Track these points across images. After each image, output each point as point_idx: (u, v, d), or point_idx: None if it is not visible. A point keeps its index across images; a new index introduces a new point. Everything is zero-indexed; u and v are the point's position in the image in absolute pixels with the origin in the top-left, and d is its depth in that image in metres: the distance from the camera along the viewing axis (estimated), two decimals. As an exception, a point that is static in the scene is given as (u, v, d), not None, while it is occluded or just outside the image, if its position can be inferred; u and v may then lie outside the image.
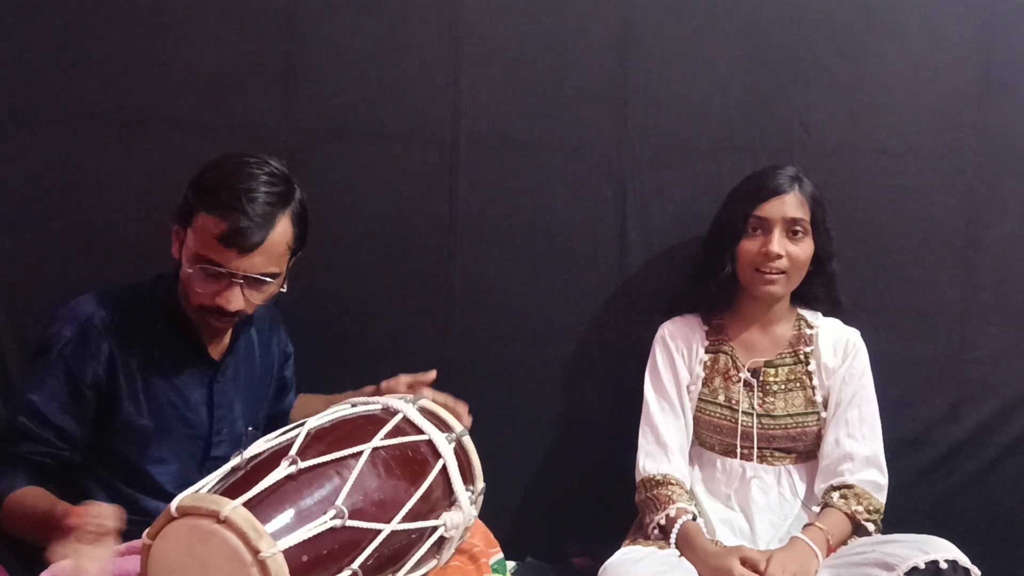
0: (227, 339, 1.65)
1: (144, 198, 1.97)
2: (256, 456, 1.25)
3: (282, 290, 1.56)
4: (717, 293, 1.85)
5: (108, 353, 1.50)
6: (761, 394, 1.82)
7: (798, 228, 1.77)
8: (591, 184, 2.02)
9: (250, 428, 1.67)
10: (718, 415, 1.83)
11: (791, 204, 1.77)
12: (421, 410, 1.43)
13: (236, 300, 1.47)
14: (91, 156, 2.00)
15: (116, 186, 1.99)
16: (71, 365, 1.47)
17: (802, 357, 1.83)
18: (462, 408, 1.64)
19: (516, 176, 2.03)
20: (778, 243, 1.76)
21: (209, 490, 1.20)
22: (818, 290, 1.86)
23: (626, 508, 1.87)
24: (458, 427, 1.45)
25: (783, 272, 1.77)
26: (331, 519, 1.18)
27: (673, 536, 1.72)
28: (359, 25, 2.00)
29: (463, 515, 1.37)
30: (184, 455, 1.58)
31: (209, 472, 1.28)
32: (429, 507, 1.32)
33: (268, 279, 1.50)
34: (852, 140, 2.00)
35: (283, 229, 1.49)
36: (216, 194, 1.46)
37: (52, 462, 1.48)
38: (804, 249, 1.78)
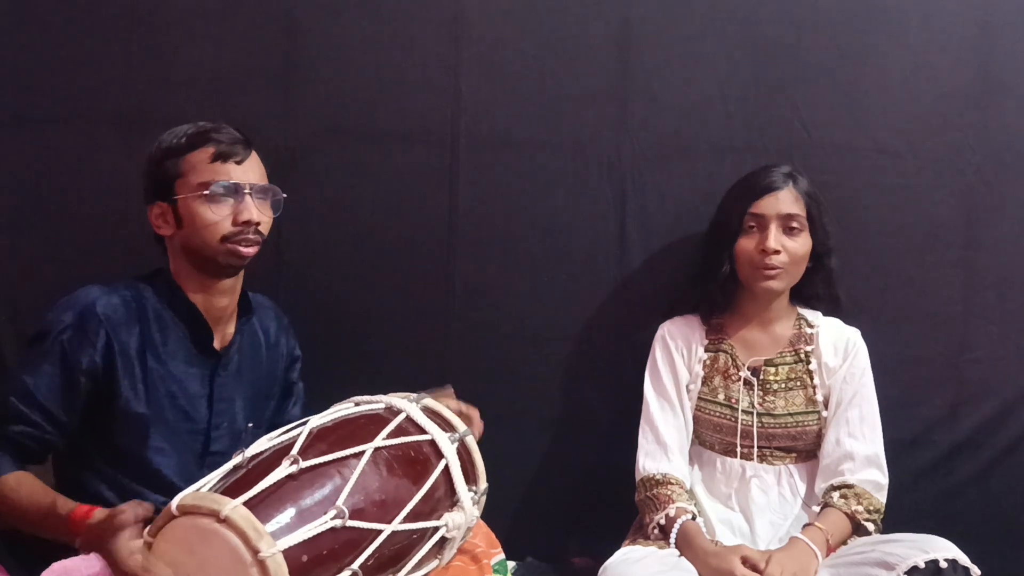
0: (231, 328, 1.65)
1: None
2: (258, 455, 1.26)
3: (284, 195, 1.63)
4: (717, 293, 1.85)
5: (106, 340, 1.49)
6: (761, 392, 1.82)
7: (794, 224, 1.77)
8: (591, 184, 2.03)
9: (250, 424, 1.66)
10: (718, 414, 1.83)
11: (786, 200, 1.77)
12: (424, 409, 1.43)
13: (253, 210, 1.55)
14: (91, 156, 2.00)
15: (116, 186, 1.98)
16: (67, 351, 1.47)
17: (803, 356, 1.83)
18: (474, 414, 1.62)
19: (516, 176, 2.03)
20: (775, 239, 1.76)
21: (210, 489, 1.20)
22: (818, 287, 1.86)
23: (626, 508, 1.87)
24: (461, 427, 1.45)
25: (782, 268, 1.77)
26: (331, 519, 1.18)
27: (673, 536, 1.72)
28: (359, 25, 2.00)
29: (465, 515, 1.37)
30: (183, 447, 1.57)
31: (209, 466, 1.28)
32: (431, 507, 1.32)
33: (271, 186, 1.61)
34: (852, 140, 2.00)
35: (257, 157, 1.60)
36: (189, 137, 1.55)
37: (36, 445, 1.48)
38: (801, 244, 1.79)
